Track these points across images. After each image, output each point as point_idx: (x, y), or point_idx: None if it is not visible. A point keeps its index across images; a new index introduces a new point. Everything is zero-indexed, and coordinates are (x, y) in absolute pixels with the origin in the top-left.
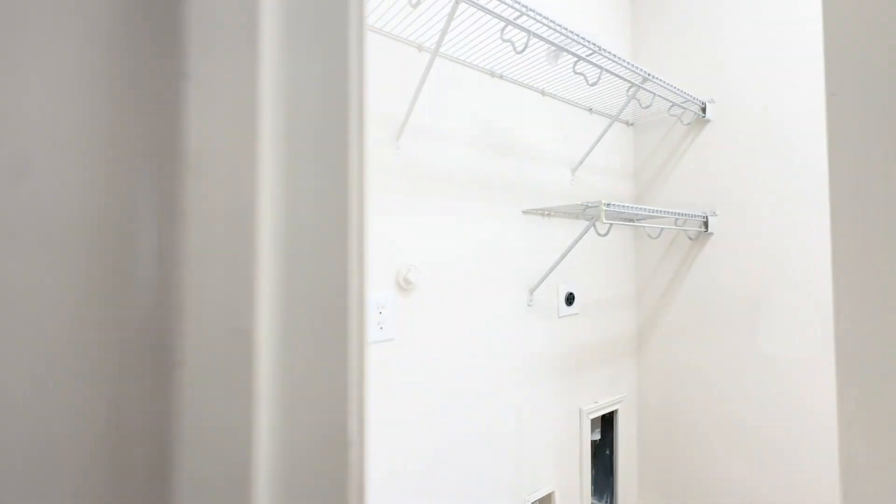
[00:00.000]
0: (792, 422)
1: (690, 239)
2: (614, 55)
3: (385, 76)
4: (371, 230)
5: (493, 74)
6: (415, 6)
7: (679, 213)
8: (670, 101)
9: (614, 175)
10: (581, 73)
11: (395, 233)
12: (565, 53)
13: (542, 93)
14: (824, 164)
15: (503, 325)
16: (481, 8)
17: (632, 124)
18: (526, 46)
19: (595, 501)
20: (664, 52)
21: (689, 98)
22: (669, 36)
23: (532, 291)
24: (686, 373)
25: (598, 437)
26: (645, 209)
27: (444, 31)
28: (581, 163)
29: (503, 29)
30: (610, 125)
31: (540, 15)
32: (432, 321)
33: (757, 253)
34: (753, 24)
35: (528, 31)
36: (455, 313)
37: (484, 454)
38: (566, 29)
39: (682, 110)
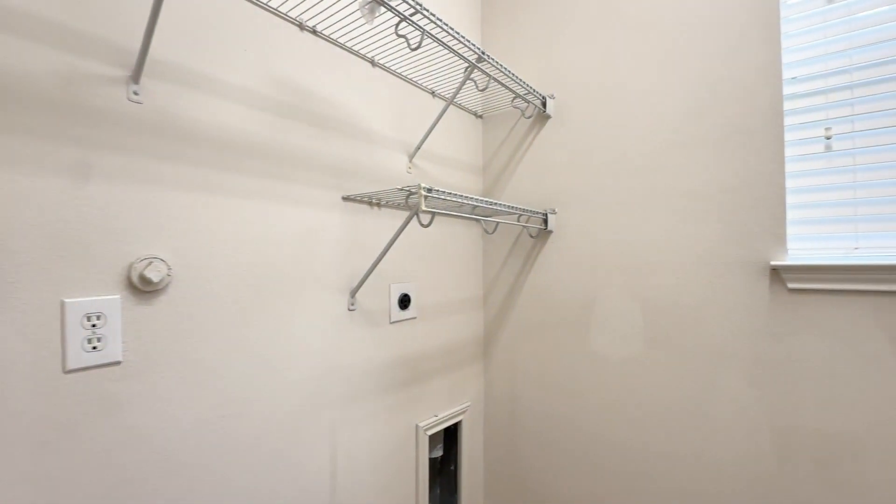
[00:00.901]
0: (626, 421)
1: (532, 237)
2: (440, 19)
3: None
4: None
5: (302, 26)
6: None
7: (519, 209)
8: (512, 92)
9: (462, 169)
10: (403, 36)
11: (128, 211)
12: (383, 9)
13: (372, 63)
14: (649, 164)
15: (313, 335)
16: None
17: (481, 116)
18: None
19: None
20: (511, 45)
21: (530, 90)
22: (516, 29)
23: (353, 294)
24: (529, 376)
25: (440, 453)
26: (476, 200)
27: None
28: (419, 148)
29: None
30: (447, 107)
31: None
32: (199, 336)
33: (589, 252)
34: (594, 25)
35: None
36: (237, 323)
37: (287, 495)
38: None
39: (526, 104)
